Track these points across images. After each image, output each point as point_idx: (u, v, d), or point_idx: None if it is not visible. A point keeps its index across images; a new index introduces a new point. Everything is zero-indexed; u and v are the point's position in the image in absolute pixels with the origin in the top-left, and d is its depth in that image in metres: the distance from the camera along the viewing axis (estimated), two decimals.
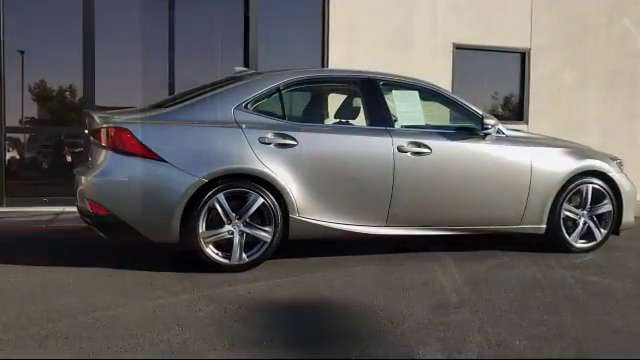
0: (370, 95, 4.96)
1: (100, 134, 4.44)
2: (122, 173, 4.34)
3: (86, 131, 4.97)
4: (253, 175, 4.50)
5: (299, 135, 4.63)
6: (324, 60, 8.49)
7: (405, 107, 5.05)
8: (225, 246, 4.48)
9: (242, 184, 4.48)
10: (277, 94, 4.79)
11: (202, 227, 4.41)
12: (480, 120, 5.13)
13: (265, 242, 4.56)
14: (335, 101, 5.13)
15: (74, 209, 4.97)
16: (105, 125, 4.41)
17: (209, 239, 4.44)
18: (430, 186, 4.94)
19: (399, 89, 5.12)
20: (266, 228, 4.56)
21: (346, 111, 5.10)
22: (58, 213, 7.04)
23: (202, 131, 4.49)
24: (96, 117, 4.56)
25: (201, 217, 4.40)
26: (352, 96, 5.09)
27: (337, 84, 5.10)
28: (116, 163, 4.36)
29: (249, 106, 4.66)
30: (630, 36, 10.08)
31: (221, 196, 4.43)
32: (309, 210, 4.65)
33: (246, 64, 8.20)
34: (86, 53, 7.64)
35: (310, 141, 4.67)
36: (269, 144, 4.56)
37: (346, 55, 8.42)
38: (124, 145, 4.33)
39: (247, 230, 4.53)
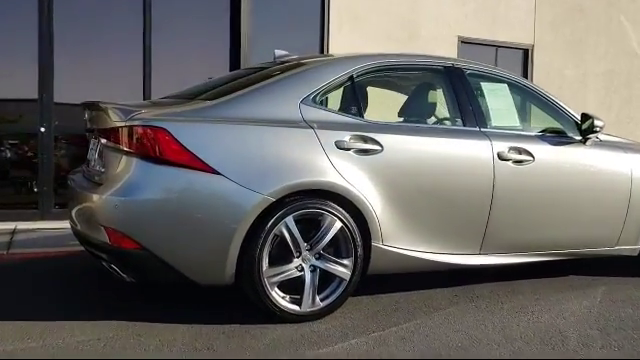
0: (459, 87, 3.92)
1: (121, 135, 3.16)
2: (159, 190, 3.07)
3: (90, 128, 3.67)
4: (331, 191, 3.35)
5: (385, 138, 3.52)
6: (323, 51, 7.40)
7: (496, 103, 4.05)
8: (289, 286, 3.32)
9: (316, 203, 3.32)
10: (350, 84, 3.65)
11: (265, 262, 3.22)
12: (575, 123, 4.23)
13: (343, 280, 3.43)
14: (415, 93, 4.04)
15: (29, 225, 3.67)
16: (131, 123, 3.13)
17: (274, 279, 3.26)
18: (533, 202, 3.96)
19: (487, 81, 4.12)
20: (344, 261, 3.42)
21: (430, 106, 4.03)
22: (11, 231, 5.56)
23: (265, 133, 3.29)
24: (112, 111, 3.26)
25: (265, 249, 3.21)
26: (436, 88, 4.02)
27: (418, 72, 4.03)
28: (149, 176, 3.08)
29: (317, 99, 3.50)
30: (627, 35, 9.66)
31: (290, 220, 3.26)
32: (395, 236, 3.55)
33: (236, 54, 6.97)
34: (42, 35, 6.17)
35: (398, 146, 3.57)
36: (348, 150, 3.42)
37: (348, 45, 7.39)
38: (162, 151, 3.07)
39: (320, 265, 3.38)
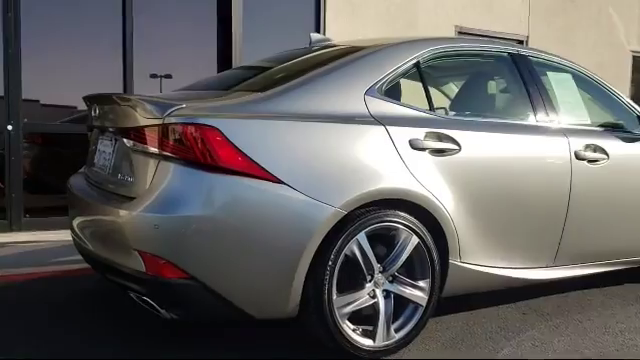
0: (527, 77, 3.41)
1: (157, 135, 2.49)
2: (211, 205, 2.42)
3: (98, 126, 2.99)
4: (407, 200, 2.79)
5: (461, 136, 2.98)
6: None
7: (564, 96, 3.57)
8: (356, 316, 2.75)
9: (390, 215, 2.75)
10: (416, 72, 3.08)
11: (335, 290, 2.64)
12: (638, 118, 3.82)
13: (418, 306, 2.88)
14: (484, 84, 3.50)
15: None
16: (172, 120, 2.48)
17: (345, 309, 2.68)
18: (608, 206, 3.51)
19: (551, 70, 3.63)
20: (420, 283, 2.87)
21: (500, 99, 3.50)
22: None
23: (331, 131, 2.68)
24: (144, 105, 2.57)
25: (335, 272, 2.62)
26: (504, 78, 3.49)
27: (484, 59, 3.49)
28: (198, 187, 2.43)
29: (382, 90, 2.93)
30: (615, 27, 9.46)
31: (362, 236, 2.68)
32: (473, 251, 3.02)
33: (225, 44, 6.30)
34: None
35: (476, 145, 3.03)
36: (423, 150, 2.87)
37: (345, 33, 6.84)
38: (214, 155, 2.43)
39: (393, 289, 2.82)
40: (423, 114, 2.99)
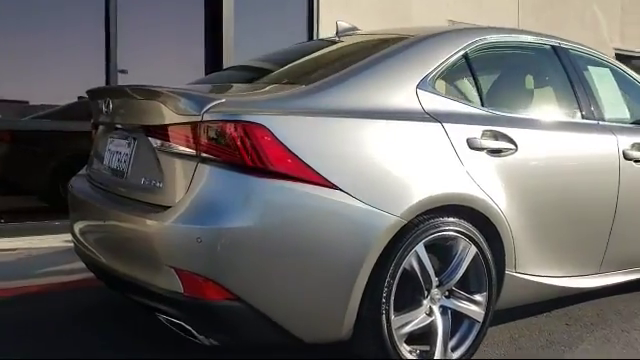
0: (571, 71, 3.18)
1: (195, 134, 2.14)
2: (260, 214, 2.08)
3: (107, 122, 2.63)
4: (465, 206, 2.51)
5: (518, 135, 2.71)
6: (312, 30, 6.49)
7: (605, 91, 3.35)
8: (409, 336, 2.46)
9: (449, 223, 2.47)
10: (464, 64, 2.80)
11: (392, 308, 2.34)
12: None
13: (475, 322, 2.61)
14: (530, 78, 3.23)
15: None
16: (212, 117, 2.13)
17: (403, 330, 2.39)
18: None
19: (591, 64, 3.41)
20: (476, 297, 2.60)
21: (547, 94, 3.23)
22: None
23: (385, 129, 2.37)
24: (176, 99, 2.21)
25: (393, 289, 2.33)
26: (549, 72, 3.24)
27: (529, 52, 3.22)
28: (245, 194, 2.08)
29: (433, 83, 2.64)
30: (599, 24, 9.44)
31: (421, 248, 2.39)
32: (528, 260, 2.77)
33: (214, 38, 5.90)
34: None
35: (532, 144, 2.78)
36: (481, 150, 2.60)
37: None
38: (262, 157, 2.09)
39: (450, 305, 2.55)
40: (477, 110, 2.72)
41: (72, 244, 3.02)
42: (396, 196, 2.30)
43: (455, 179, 2.48)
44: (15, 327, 3.02)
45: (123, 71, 6.31)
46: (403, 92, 2.52)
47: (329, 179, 2.17)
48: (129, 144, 2.54)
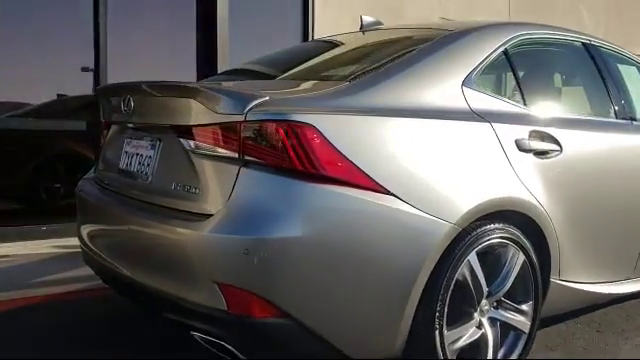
0: (603, 69, 3.06)
1: (237, 135, 1.95)
2: (311, 223, 1.89)
3: (123, 122, 2.41)
4: (516, 211, 2.37)
5: (562, 135, 2.58)
6: (307, 28, 6.30)
7: (636, 90, 3.25)
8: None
9: (500, 230, 2.32)
10: (505, 61, 2.65)
11: (445, 322, 2.18)
12: None
13: (521, 333, 2.47)
14: (567, 77, 3.10)
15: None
16: (254, 118, 1.93)
17: (455, 345, 2.23)
18: None
19: (619, 63, 3.29)
20: (522, 307, 2.46)
21: (583, 93, 3.11)
22: None
23: (435, 130, 2.21)
24: (211, 96, 2.02)
25: (446, 302, 2.16)
26: (585, 69, 3.11)
27: (564, 49, 3.08)
28: (295, 201, 1.90)
29: (477, 81, 2.48)
30: (584, 26, 9.46)
31: (473, 257, 2.24)
32: (572, 266, 2.64)
33: (207, 37, 5.66)
34: None
35: (576, 146, 2.65)
36: (529, 152, 2.45)
37: (333, 24, 6.39)
38: (315, 162, 1.91)
39: (498, 316, 2.40)
40: (521, 110, 2.57)
41: (80, 250, 2.80)
42: (450, 202, 2.14)
43: (507, 183, 2.34)
44: (15, 345, 2.78)
45: (85, 69, 6.04)
46: (449, 90, 2.36)
47: (382, 184, 2.00)
48: (152, 146, 2.33)
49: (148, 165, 2.32)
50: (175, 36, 5.96)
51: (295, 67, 2.71)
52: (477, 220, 2.22)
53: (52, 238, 4.87)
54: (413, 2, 7.21)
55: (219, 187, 1.99)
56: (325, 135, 1.95)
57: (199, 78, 5.80)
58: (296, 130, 1.92)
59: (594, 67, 3.04)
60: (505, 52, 2.64)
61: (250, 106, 1.95)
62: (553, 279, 2.57)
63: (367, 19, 3.19)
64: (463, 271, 2.20)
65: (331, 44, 2.96)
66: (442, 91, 2.34)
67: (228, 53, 5.69)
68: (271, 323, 1.90)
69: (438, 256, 2.10)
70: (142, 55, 5.82)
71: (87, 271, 3.61)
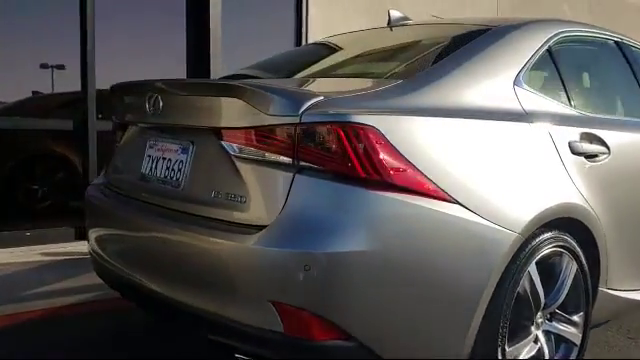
0: (636, 68, 2.96)
1: (285, 139, 1.78)
2: (375, 235, 1.72)
3: (151, 122, 2.20)
4: (571, 218, 2.23)
5: (610, 137, 2.46)
6: (301, 25, 6.11)
7: None
8: None
9: (557, 238, 2.18)
10: (549, 59, 2.51)
11: (507, 339, 2.04)
12: None
13: (573, 346, 2.34)
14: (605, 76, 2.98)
15: None
16: (310, 120, 1.76)
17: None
18: None
19: None
20: (574, 318, 2.34)
21: (620, 94, 3.00)
22: None
23: (495, 132, 2.07)
24: (260, 96, 1.83)
25: (508, 316, 2.02)
26: (620, 68, 2.99)
27: (600, 47, 2.96)
28: (359, 211, 1.72)
29: (527, 80, 2.34)
30: None
31: (533, 268, 2.10)
32: (616, 275, 2.53)
33: (198, 35, 5.42)
34: None
35: (624, 149, 2.53)
36: (580, 155, 2.33)
37: (325, 20, 6.23)
38: (379, 168, 1.74)
39: (552, 329, 2.27)
40: (569, 111, 2.45)
41: (91, 260, 2.58)
42: (514, 210, 1.99)
43: (564, 188, 2.21)
44: None
45: (60, 67, 5.78)
46: (502, 89, 2.21)
47: (447, 191, 1.84)
48: (184, 149, 2.12)
49: (179, 170, 2.12)
50: (164, 31, 5.71)
51: (331, 65, 2.54)
52: (538, 228, 2.08)
53: (37, 244, 4.60)
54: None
55: (270, 195, 1.80)
56: (387, 138, 1.78)
57: (190, 76, 5.58)
58: (358, 133, 1.75)
59: (628, 66, 2.93)
60: (549, 50, 2.51)
61: (305, 106, 1.77)
62: (601, 288, 2.45)
63: (395, 14, 3.03)
64: (524, 283, 2.06)
65: (360, 40, 2.79)
66: (495, 91, 2.19)
67: (220, 50, 5.47)
68: (331, 346, 1.73)
69: (503, 268, 1.95)
70: (128, 51, 5.56)
71: (85, 281, 3.41)
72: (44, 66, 5.78)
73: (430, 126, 1.91)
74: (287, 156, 1.79)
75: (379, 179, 1.75)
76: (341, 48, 2.81)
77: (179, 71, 5.48)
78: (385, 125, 1.79)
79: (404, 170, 1.78)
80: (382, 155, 1.75)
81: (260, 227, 1.77)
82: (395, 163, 1.77)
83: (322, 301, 1.70)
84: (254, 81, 1.97)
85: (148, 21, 5.75)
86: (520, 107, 2.21)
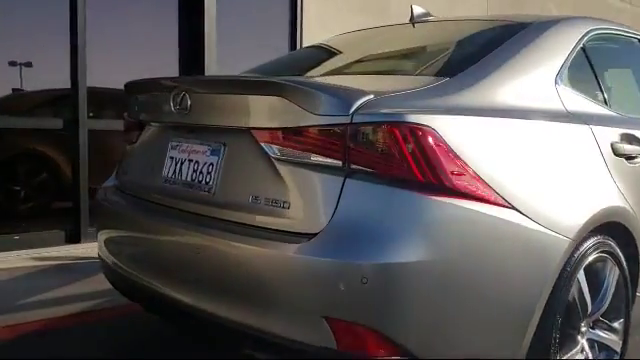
0: None
1: (334, 140, 1.66)
2: (440, 245, 1.61)
3: (174, 122, 2.06)
4: (615, 223, 2.15)
5: None
6: (296, 21, 5.98)
7: None
8: None
9: (603, 244, 2.10)
10: (584, 57, 2.43)
11: (558, 350, 1.95)
12: None
13: (614, 353, 2.26)
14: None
15: None
16: (362, 120, 1.64)
17: None
18: None
19: None
20: (615, 325, 2.26)
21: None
22: None
23: (544, 133, 1.97)
24: (305, 94, 1.70)
25: (559, 327, 1.93)
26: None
27: (625, 45, 2.89)
28: (419, 219, 1.60)
29: (566, 79, 2.25)
30: None
31: (582, 275, 2.01)
32: None
33: (191, 28, 5.25)
34: None
35: None
36: (622, 156, 2.25)
37: (319, 16, 6.13)
38: (439, 172, 1.63)
39: (596, 337, 2.19)
40: (608, 111, 2.37)
41: (103, 267, 2.43)
42: (566, 215, 1.90)
43: (610, 191, 2.13)
44: None
45: (27, 64, 5.55)
46: (544, 88, 2.12)
47: (503, 195, 1.74)
48: (214, 151, 1.98)
49: (209, 174, 1.98)
50: (155, 25, 5.52)
51: (362, 62, 2.42)
52: (587, 233, 1.99)
53: (27, 249, 4.39)
54: None
55: (318, 201, 1.68)
56: (445, 139, 1.67)
57: (183, 73, 5.41)
58: (416, 133, 1.63)
59: None
60: (583, 48, 2.43)
61: (356, 105, 1.65)
62: (639, 293, 2.38)
63: (417, 9, 2.92)
64: (573, 291, 1.98)
65: (385, 36, 2.68)
66: (539, 89, 2.10)
67: (215, 45, 5.32)
68: None
69: (556, 275, 1.86)
70: (119, 47, 5.36)
71: (84, 288, 3.23)
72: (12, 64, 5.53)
73: (483, 126, 1.81)
74: (337, 159, 1.66)
75: (438, 184, 1.64)
76: (366, 44, 2.69)
77: (171, 68, 5.33)
78: (440, 125, 1.68)
79: (462, 174, 1.68)
80: (441, 158, 1.65)
81: (308, 235, 1.65)
82: (453, 166, 1.66)
83: (380, 316, 1.58)
84: (298, 78, 1.84)
85: (138, 15, 5.55)
86: (562, 107, 2.12)
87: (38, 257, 4.24)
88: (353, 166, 1.65)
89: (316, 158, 1.69)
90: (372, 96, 1.70)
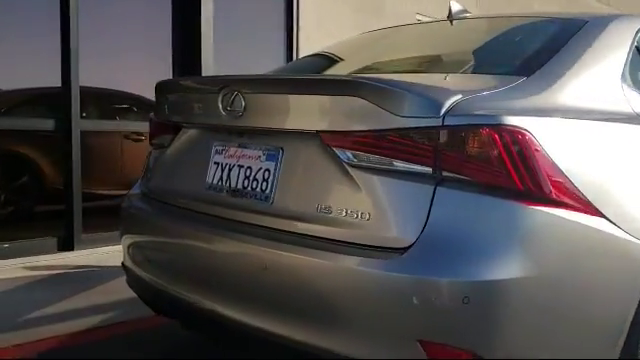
0: None
1: (420, 145, 1.51)
2: (545, 260, 1.47)
3: (223, 125, 1.89)
4: None
5: None
6: (292, 19, 5.81)
7: None
8: None
9: None
10: (638, 56, 2.33)
11: None
12: None
13: None
14: None
15: None
16: (455, 122, 1.48)
17: None
18: None
19: None
20: None
21: None
22: None
23: (623, 137, 1.85)
24: (384, 93, 1.54)
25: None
26: None
27: None
28: (522, 231, 1.46)
29: (626, 78, 2.14)
30: None
31: None
32: None
33: (184, 27, 5.03)
34: None
35: None
36: None
37: (315, 13, 5.98)
38: (540, 180, 1.49)
39: None
40: None
41: (128, 277, 2.24)
42: None
43: None
44: None
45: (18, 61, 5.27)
46: (612, 87, 2.00)
47: (596, 205, 1.61)
48: (270, 156, 1.81)
49: (265, 180, 1.80)
50: (149, 24, 5.28)
51: (415, 60, 2.26)
52: None
53: (18, 257, 4.12)
54: None
55: (405, 212, 1.52)
56: (542, 144, 1.53)
57: (177, 71, 5.18)
58: (516, 138, 1.49)
59: None
60: (637, 47, 2.32)
61: (447, 107, 1.50)
62: None
63: (455, 6, 2.78)
64: None
65: (432, 33, 2.53)
66: (607, 89, 1.98)
67: (212, 44, 5.11)
68: None
69: None
70: (111, 46, 5.10)
71: (88, 301, 3.04)
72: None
73: (571, 128, 1.68)
74: (426, 165, 1.51)
75: (538, 192, 1.50)
76: (410, 42, 2.53)
77: (164, 66, 5.10)
78: (536, 128, 1.54)
79: (561, 182, 1.54)
80: (541, 163, 1.51)
81: (397, 250, 1.49)
82: (552, 173, 1.53)
83: (481, 338, 1.43)
84: (377, 77, 1.68)
85: (130, 13, 5.29)
86: (629, 107, 2.00)
87: (30, 266, 3.98)
88: (445, 173, 1.50)
89: (401, 164, 1.54)
90: (461, 96, 1.55)
